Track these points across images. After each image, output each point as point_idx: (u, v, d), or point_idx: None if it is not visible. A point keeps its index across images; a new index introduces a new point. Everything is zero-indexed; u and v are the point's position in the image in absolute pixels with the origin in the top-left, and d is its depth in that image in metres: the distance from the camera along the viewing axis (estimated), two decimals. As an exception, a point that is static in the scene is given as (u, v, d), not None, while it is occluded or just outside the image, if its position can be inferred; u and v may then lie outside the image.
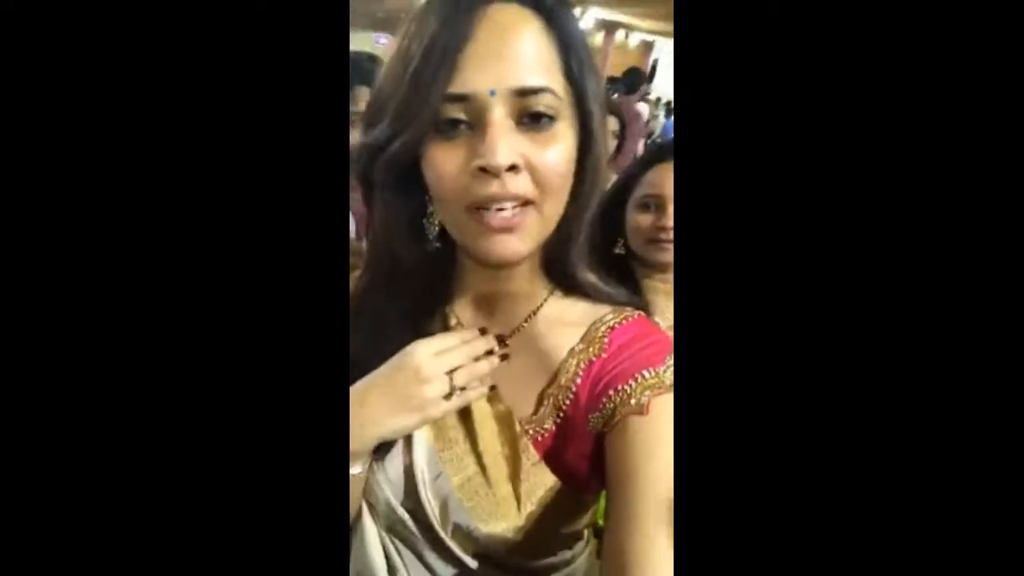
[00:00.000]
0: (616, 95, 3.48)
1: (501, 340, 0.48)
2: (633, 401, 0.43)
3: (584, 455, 0.46)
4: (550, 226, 0.43)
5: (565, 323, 0.48)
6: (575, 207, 0.44)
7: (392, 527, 0.49)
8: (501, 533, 0.45)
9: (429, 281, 0.49)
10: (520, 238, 0.41)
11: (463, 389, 0.44)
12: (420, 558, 0.48)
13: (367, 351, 0.44)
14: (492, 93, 0.38)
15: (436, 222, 0.45)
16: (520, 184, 0.39)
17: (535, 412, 0.47)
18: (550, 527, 0.47)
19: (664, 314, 0.53)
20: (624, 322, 0.48)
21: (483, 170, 0.38)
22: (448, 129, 0.39)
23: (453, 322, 0.50)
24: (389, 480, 0.48)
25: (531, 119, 0.39)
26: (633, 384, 0.43)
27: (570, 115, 0.41)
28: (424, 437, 0.48)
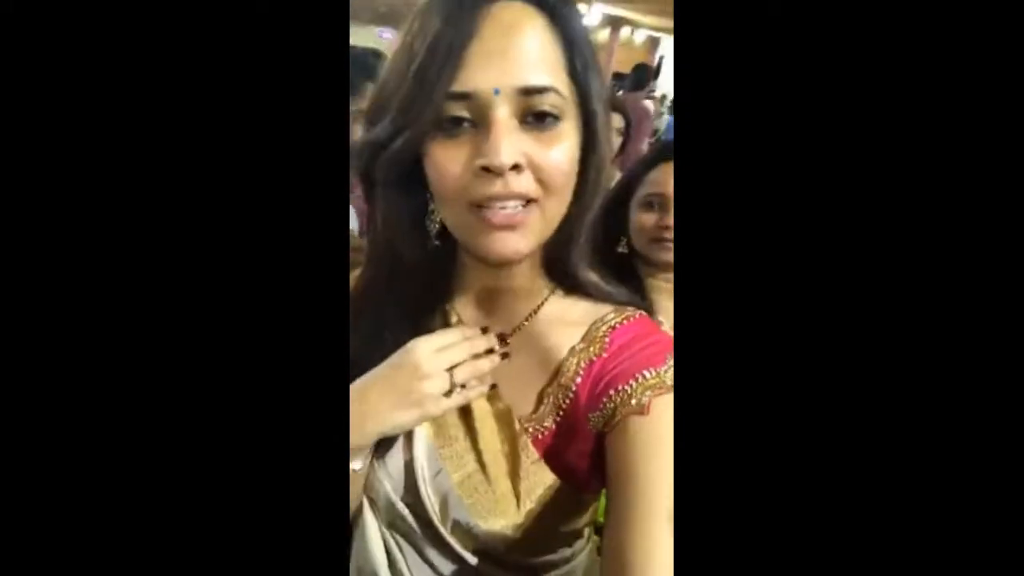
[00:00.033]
0: (621, 92, 3.46)
1: (502, 339, 0.48)
2: (634, 401, 0.43)
3: (584, 454, 0.46)
4: (552, 225, 0.43)
5: (566, 322, 0.48)
6: (578, 206, 0.44)
7: (393, 523, 0.49)
8: (500, 530, 0.45)
9: (430, 279, 0.49)
10: (522, 236, 0.41)
11: (463, 386, 0.44)
12: (420, 554, 0.48)
13: (367, 349, 0.45)
14: (496, 92, 0.38)
15: (437, 220, 0.45)
16: (523, 183, 0.39)
17: (535, 411, 0.47)
18: (549, 525, 0.47)
19: (667, 313, 0.53)
20: (625, 322, 0.48)
21: (486, 169, 0.38)
22: (451, 127, 0.39)
23: (454, 320, 0.50)
24: (390, 476, 0.48)
25: (535, 118, 0.39)
26: (634, 384, 0.43)
27: (574, 114, 0.41)
28: (424, 434, 0.48)
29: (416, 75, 0.38)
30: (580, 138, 0.42)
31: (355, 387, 0.43)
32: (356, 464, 0.46)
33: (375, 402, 0.42)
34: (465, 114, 0.39)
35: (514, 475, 0.46)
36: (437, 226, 0.45)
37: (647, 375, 0.44)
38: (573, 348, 0.47)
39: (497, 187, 0.38)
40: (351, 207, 1.08)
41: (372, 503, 0.50)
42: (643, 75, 3.45)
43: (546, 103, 0.39)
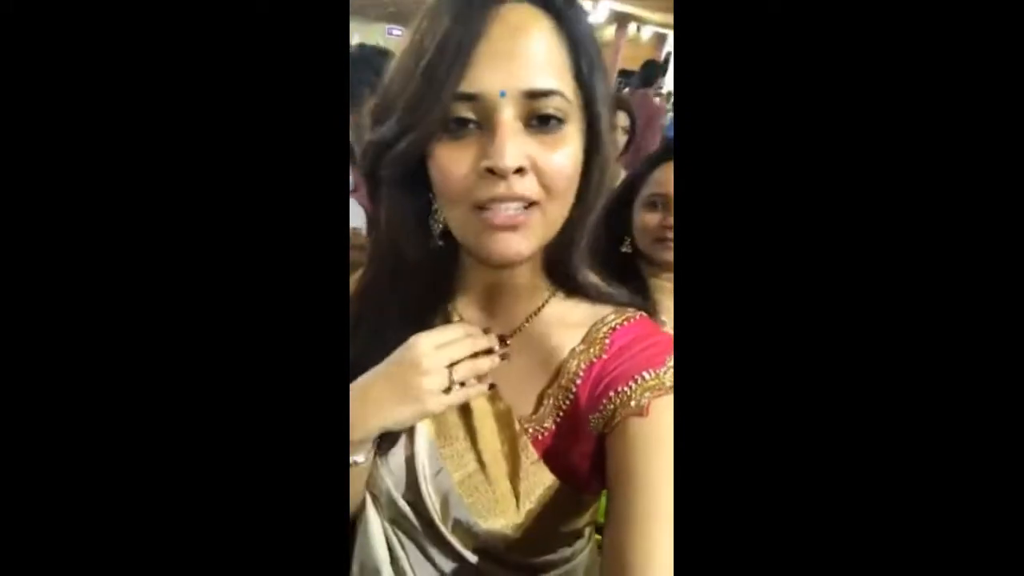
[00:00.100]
0: (627, 89, 3.45)
1: (502, 340, 0.48)
2: (633, 403, 0.43)
3: (584, 455, 0.46)
4: (554, 228, 0.43)
5: (567, 324, 0.49)
6: (580, 209, 0.44)
7: (395, 519, 0.50)
8: (500, 529, 0.46)
9: (432, 279, 0.49)
10: (523, 237, 0.41)
11: (462, 385, 0.44)
12: (422, 551, 0.49)
13: (370, 348, 0.45)
14: (502, 94, 0.38)
15: (440, 220, 0.45)
16: (526, 186, 0.39)
17: (535, 411, 0.48)
18: (549, 525, 0.47)
19: (670, 313, 0.53)
20: (626, 323, 0.48)
21: (490, 171, 0.38)
22: (456, 128, 0.39)
23: (456, 320, 0.51)
24: (391, 473, 0.49)
25: (540, 121, 0.39)
26: (633, 386, 0.43)
27: (578, 117, 0.41)
28: (425, 432, 0.48)
29: (424, 74, 0.38)
30: (584, 141, 0.42)
31: (358, 383, 0.44)
32: (359, 457, 0.46)
33: (376, 397, 0.43)
34: (471, 115, 0.39)
35: (514, 475, 0.46)
36: (440, 226, 0.45)
37: (646, 376, 0.44)
38: (573, 350, 0.47)
39: (500, 189, 0.39)
40: (360, 206, 1.08)
41: (375, 499, 0.50)
42: (652, 72, 3.44)
43: (551, 106, 0.39)
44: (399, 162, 0.42)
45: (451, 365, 0.44)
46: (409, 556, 0.49)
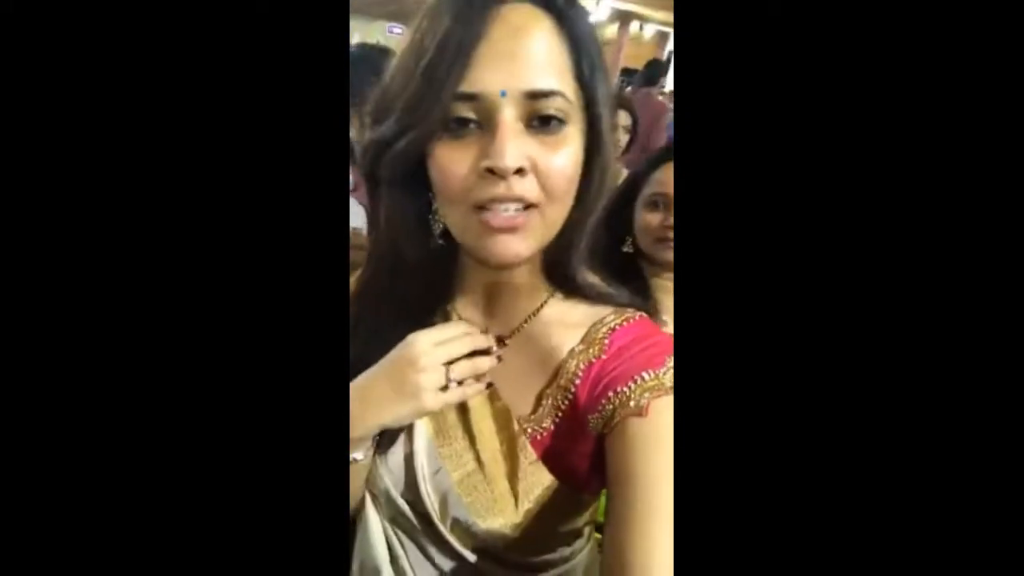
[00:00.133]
0: (629, 87, 3.44)
1: (500, 341, 0.48)
2: (632, 403, 0.43)
3: (583, 455, 0.46)
4: (553, 229, 0.43)
5: (566, 324, 0.49)
6: (580, 210, 0.44)
7: (394, 518, 0.50)
8: (499, 529, 0.46)
9: (432, 279, 0.49)
10: (522, 239, 0.41)
11: (460, 383, 0.44)
12: (422, 550, 0.49)
13: (369, 347, 0.45)
14: (503, 94, 0.38)
15: (440, 220, 0.45)
16: (526, 187, 0.39)
17: (534, 411, 0.48)
18: (548, 525, 0.47)
19: (671, 313, 0.53)
20: (625, 323, 0.48)
21: (490, 171, 0.38)
22: (457, 128, 0.39)
23: (455, 319, 0.51)
24: (391, 471, 0.49)
25: (540, 122, 0.39)
26: (632, 386, 0.43)
27: (579, 118, 0.41)
28: (424, 431, 0.49)
29: (424, 73, 0.38)
30: (585, 142, 0.42)
31: (358, 380, 0.44)
32: (358, 455, 0.46)
33: (375, 394, 0.43)
34: (471, 115, 0.39)
35: (512, 475, 0.47)
36: (440, 226, 0.45)
37: (646, 377, 0.44)
38: (572, 350, 0.47)
39: (500, 189, 0.39)
40: (361, 206, 1.08)
41: (374, 498, 0.50)
42: (655, 71, 3.44)
43: (552, 107, 0.39)
44: (399, 161, 0.42)
45: (449, 363, 0.44)
46: (409, 555, 0.49)
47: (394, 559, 0.49)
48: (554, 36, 0.40)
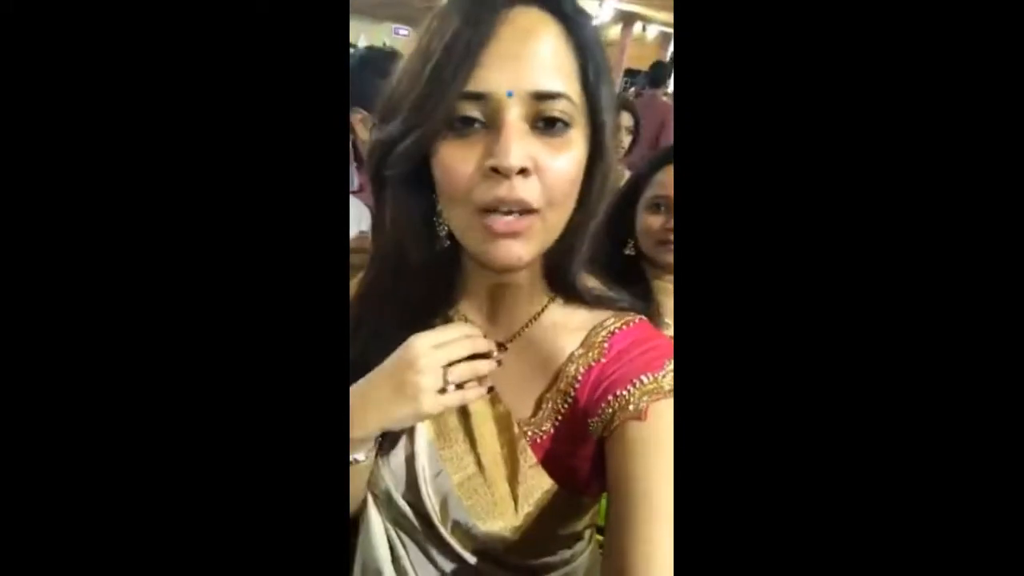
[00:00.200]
0: (632, 88, 3.44)
1: (501, 346, 0.49)
2: (631, 407, 0.43)
3: (583, 458, 0.46)
4: (555, 233, 0.43)
5: (567, 328, 0.49)
6: (581, 215, 0.44)
7: (396, 520, 0.50)
8: (499, 532, 0.46)
9: (434, 281, 0.49)
10: (524, 243, 0.41)
11: (459, 387, 0.44)
12: (423, 551, 0.49)
13: (371, 350, 0.45)
14: (509, 94, 0.38)
15: (444, 222, 0.45)
16: (528, 189, 0.39)
17: (534, 415, 0.48)
18: (548, 528, 0.48)
19: (673, 315, 0.53)
20: (625, 327, 0.48)
21: (495, 170, 0.38)
22: (462, 127, 0.39)
23: (457, 322, 0.51)
24: (392, 473, 0.49)
25: (546, 124, 0.39)
26: (632, 389, 0.44)
27: (583, 123, 0.42)
28: (425, 433, 0.49)
29: (431, 74, 0.39)
30: (588, 147, 0.42)
31: (361, 382, 0.44)
32: (360, 456, 0.46)
33: (375, 396, 0.43)
34: (477, 114, 0.39)
35: (512, 478, 0.47)
36: (445, 227, 0.45)
37: (645, 380, 0.44)
38: (572, 354, 0.47)
39: (503, 190, 0.39)
40: (368, 209, 1.08)
41: (376, 499, 0.51)
42: (660, 73, 3.44)
43: (557, 109, 0.39)
44: (404, 160, 0.42)
45: (448, 365, 0.44)
46: (410, 555, 0.49)
47: (396, 559, 0.50)
48: (561, 41, 0.40)
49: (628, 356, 0.46)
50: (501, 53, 0.38)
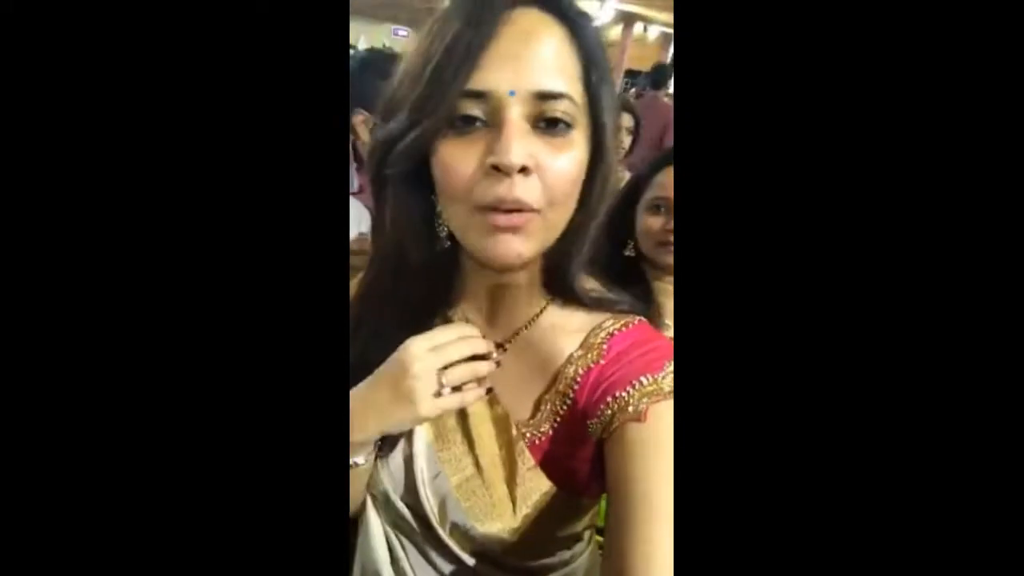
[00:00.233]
0: (633, 89, 3.45)
1: (499, 347, 0.48)
2: (631, 408, 0.43)
3: (582, 460, 0.46)
4: (555, 232, 0.43)
5: (565, 329, 0.49)
6: (581, 216, 0.44)
7: (394, 521, 0.50)
8: (497, 534, 0.46)
9: (434, 282, 0.49)
10: (524, 240, 0.41)
11: (456, 389, 0.44)
12: (422, 553, 0.49)
13: (370, 351, 0.45)
14: (511, 93, 0.38)
15: (444, 223, 0.45)
16: (529, 188, 0.39)
17: (532, 416, 0.48)
18: (546, 530, 0.48)
19: (673, 316, 0.53)
20: (624, 328, 0.48)
21: (495, 168, 0.38)
22: (463, 126, 0.39)
23: (456, 322, 0.51)
24: (391, 475, 0.49)
25: (547, 124, 0.40)
26: (631, 391, 0.44)
27: (585, 124, 0.42)
28: (424, 436, 0.49)
29: (432, 74, 0.39)
30: (589, 148, 0.42)
31: (361, 385, 0.44)
32: (359, 459, 0.46)
33: (374, 399, 0.43)
34: (478, 113, 0.39)
35: (511, 480, 0.47)
36: (446, 227, 0.45)
37: (644, 382, 0.44)
38: (571, 355, 0.47)
39: (504, 188, 0.39)
40: (368, 210, 1.08)
41: (375, 501, 0.51)
42: (662, 74, 3.44)
43: (559, 109, 0.39)
44: (405, 158, 0.42)
45: (444, 368, 0.43)
46: (409, 557, 0.49)
47: (395, 561, 0.50)
48: (564, 42, 0.40)
49: (627, 357, 0.46)
50: (502, 54, 0.38)
